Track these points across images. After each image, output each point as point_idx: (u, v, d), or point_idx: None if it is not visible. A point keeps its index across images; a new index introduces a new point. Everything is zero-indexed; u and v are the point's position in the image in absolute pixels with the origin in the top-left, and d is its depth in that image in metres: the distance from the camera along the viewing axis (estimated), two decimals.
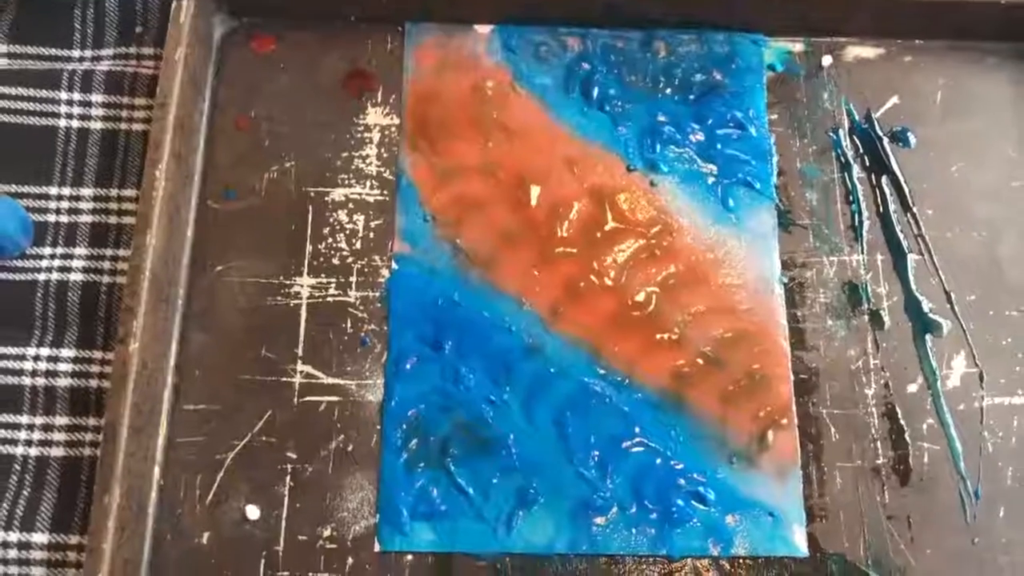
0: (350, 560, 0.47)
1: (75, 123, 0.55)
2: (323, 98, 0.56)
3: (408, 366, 0.50)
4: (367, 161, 0.55)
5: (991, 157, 0.56)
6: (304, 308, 0.52)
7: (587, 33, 0.58)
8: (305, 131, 0.55)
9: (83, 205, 0.53)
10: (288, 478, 0.48)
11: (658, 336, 0.51)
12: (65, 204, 0.53)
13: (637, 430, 0.49)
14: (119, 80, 0.56)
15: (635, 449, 0.49)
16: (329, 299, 0.52)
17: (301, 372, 0.50)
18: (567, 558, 0.47)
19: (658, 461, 0.49)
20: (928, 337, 0.52)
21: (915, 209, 0.54)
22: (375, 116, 0.56)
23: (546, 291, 0.52)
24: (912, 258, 0.54)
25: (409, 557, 0.47)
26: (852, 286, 0.53)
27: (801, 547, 0.48)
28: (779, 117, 0.56)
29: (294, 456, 0.49)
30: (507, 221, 0.54)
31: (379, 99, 0.56)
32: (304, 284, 0.52)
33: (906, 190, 0.55)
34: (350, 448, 0.49)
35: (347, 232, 0.53)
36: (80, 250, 0.53)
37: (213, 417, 0.49)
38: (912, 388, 0.51)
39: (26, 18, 0.57)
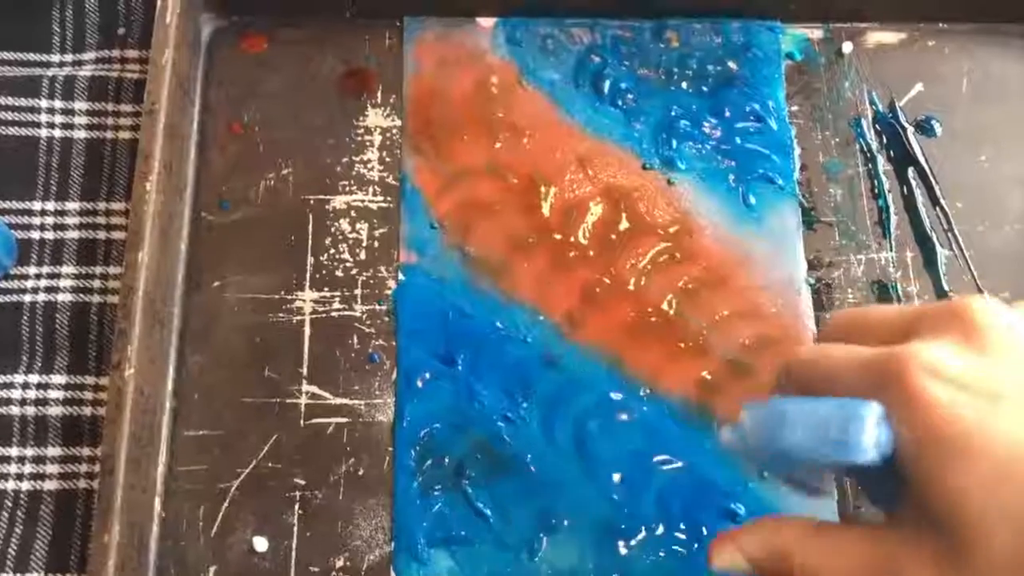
0: None
1: (57, 132, 0.52)
2: (320, 100, 0.53)
3: (419, 383, 0.48)
4: (368, 166, 0.52)
5: (1022, 145, 0.53)
6: (308, 324, 0.49)
7: (595, 24, 0.55)
8: (302, 135, 0.52)
9: (69, 220, 0.50)
10: (297, 506, 0.46)
11: (681, 344, 0.49)
12: (50, 220, 0.50)
13: (662, 445, 0.47)
14: (103, 86, 0.52)
15: (661, 465, 0.47)
16: (334, 314, 0.49)
17: (307, 392, 0.48)
18: None
19: (686, 477, 0.47)
20: None
21: (944, 202, 0.52)
22: (375, 117, 0.53)
23: (562, 299, 0.49)
24: (943, 253, 0.51)
25: None
26: (881, 285, 0.51)
27: None
28: (799, 108, 0.54)
29: (302, 482, 0.46)
30: (518, 226, 0.51)
31: (379, 99, 0.53)
32: (307, 299, 0.49)
33: (934, 182, 0.52)
34: (361, 472, 0.46)
35: (350, 242, 0.50)
36: (68, 268, 0.50)
37: (215, 443, 0.47)
38: None
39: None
